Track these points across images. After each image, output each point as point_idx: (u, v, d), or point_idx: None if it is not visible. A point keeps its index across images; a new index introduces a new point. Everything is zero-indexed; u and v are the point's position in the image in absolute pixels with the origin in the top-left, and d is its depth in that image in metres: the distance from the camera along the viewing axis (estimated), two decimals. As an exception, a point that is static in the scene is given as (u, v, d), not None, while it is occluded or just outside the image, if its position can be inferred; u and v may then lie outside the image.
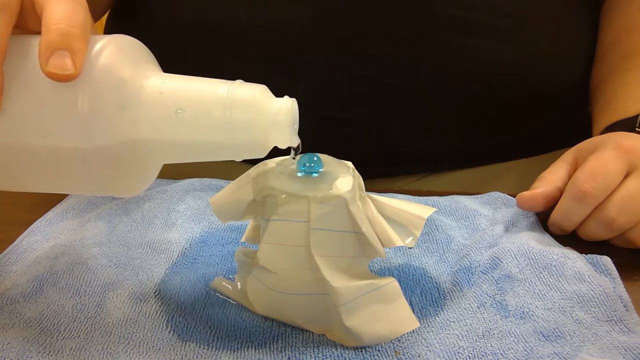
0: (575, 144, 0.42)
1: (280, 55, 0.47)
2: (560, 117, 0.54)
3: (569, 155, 0.41)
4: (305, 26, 0.45)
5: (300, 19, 0.45)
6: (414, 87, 0.47)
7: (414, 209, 0.33)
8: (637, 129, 0.42)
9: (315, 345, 0.29)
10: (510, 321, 0.30)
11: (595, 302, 0.31)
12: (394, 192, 0.44)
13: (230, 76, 0.28)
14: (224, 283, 0.33)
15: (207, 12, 0.47)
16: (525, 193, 0.40)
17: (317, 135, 0.48)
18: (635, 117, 0.42)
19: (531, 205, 0.39)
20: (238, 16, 0.46)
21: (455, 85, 0.47)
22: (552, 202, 0.39)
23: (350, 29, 0.45)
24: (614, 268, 0.33)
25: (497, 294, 0.32)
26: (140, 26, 0.52)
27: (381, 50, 0.45)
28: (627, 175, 0.36)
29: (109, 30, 0.57)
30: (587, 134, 0.49)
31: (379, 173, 0.52)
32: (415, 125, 0.49)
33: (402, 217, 0.32)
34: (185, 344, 0.29)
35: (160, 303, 0.32)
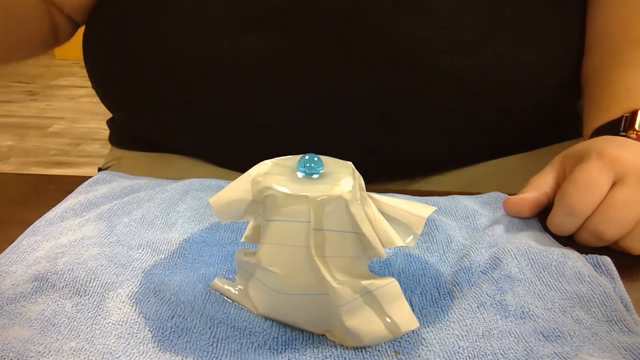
0: (572, 138, 0.42)
1: (271, 60, 0.46)
2: (552, 118, 0.54)
3: (557, 162, 0.42)
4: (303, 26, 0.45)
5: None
6: (413, 86, 0.47)
7: (414, 208, 0.33)
8: (621, 132, 0.42)
9: (315, 345, 0.29)
10: (510, 321, 0.30)
11: (595, 302, 0.31)
12: (394, 192, 0.44)
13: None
14: (225, 284, 0.33)
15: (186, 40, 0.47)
16: (512, 197, 0.40)
17: (316, 139, 0.47)
18: (619, 119, 0.42)
19: (518, 210, 0.40)
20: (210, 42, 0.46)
21: (454, 84, 0.47)
22: (540, 208, 0.40)
23: (332, 48, 0.45)
24: (614, 268, 0.33)
25: (497, 294, 0.32)
26: (116, 52, 0.50)
27: (379, 51, 0.45)
28: (613, 184, 0.36)
29: (88, 53, 0.54)
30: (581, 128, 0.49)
31: (378, 174, 0.52)
32: (415, 125, 0.49)
33: (402, 216, 0.32)
34: (185, 344, 0.29)
35: (160, 303, 0.32)
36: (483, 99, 0.48)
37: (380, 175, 0.51)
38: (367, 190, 0.33)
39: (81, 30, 0.56)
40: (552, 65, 0.50)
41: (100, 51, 0.52)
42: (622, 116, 0.42)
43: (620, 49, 0.47)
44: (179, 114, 0.50)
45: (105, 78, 0.53)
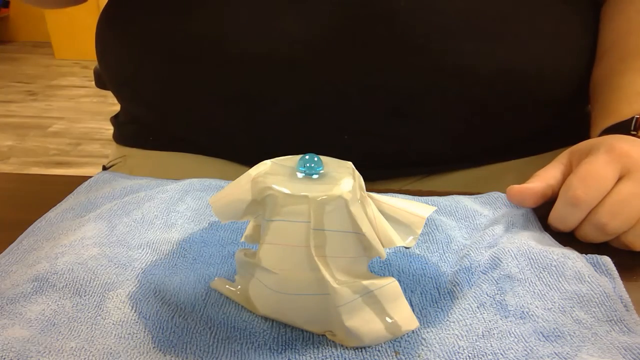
0: (576, 143, 0.42)
1: (276, 63, 0.47)
2: (560, 117, 0.54)
3: (564, 156, 0.42)
4: (301, 35, 0.45)
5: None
6: (413, 88, 0.47)
7: (414, 208, 0.33)
8: (632, 132, 0.42)
9: (315, 345, 0.29)
10: (510, 321, 0.30)
11: (595, 302, 0.31)
12: (394, 192, 0.44)
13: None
14: (225, 284, 0.33)
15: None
16: (516, 186, 0.40)
17: (316, 141, 0.47)
18: (630, 120, 0.42)
19: (520, 199, 0.40)
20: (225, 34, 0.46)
21: (454, 86, 0.47)
22: (543, 200, 0.39)
23: (348, 39, 0.45)
24: (614, 268, 0.33)
25: (497, 294, 0.32)
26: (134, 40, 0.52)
27: (379, 57, 0.45)
28: (619, 179, 0.36)
29: (103, 33, 0.56)
30: (587, 132, 0.49)
31: (378, 175, 0.52)
32: (415, 126, 0.49)
33: (403, 216, 0.32)
34: (185, 344, 0.29)
35: (160, 303, 0.32)
36: (493, 91, 0.47)
37: (389, 164, 0.51)
38: (367, 190, 0.33)
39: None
40: (564, 65, 0.50)
41: (117, 29, 0.53)
42: (633, 117, 0.42)
43: (632, 56, 0.48)
44: (195, 97, 0.50)
45: (117, 60, 0.54)
